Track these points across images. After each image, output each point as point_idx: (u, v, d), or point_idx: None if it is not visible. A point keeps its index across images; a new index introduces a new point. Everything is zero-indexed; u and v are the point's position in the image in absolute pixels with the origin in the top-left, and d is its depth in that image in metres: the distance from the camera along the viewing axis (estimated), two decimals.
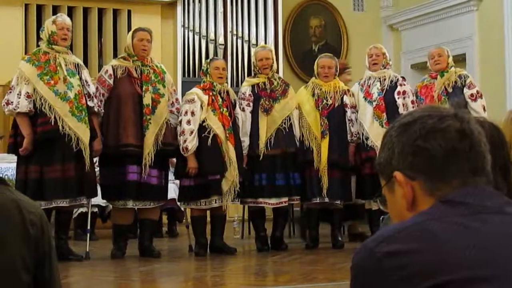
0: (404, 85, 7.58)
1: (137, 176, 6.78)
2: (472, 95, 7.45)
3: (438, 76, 7.55)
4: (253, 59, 7.71)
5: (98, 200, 7.44)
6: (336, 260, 6.45)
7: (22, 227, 1.95)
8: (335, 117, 7.47)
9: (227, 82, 7.90)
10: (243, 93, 7.38)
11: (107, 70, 6.96)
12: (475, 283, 1.34)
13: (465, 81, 7.51)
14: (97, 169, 7.03)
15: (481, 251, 1.37)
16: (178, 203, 7.84)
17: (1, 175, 2.12)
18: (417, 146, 1.48)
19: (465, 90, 7.47)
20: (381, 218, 7.01)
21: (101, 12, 11.08)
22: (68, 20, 6.90)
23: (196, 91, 7.12)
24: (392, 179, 1.52)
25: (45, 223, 2.02)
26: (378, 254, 1.39)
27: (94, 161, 6.87)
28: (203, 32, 11.64)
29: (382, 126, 7.31)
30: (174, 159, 7.39)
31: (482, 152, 1.50)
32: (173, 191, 7.99)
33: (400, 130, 1.51)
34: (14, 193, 2.02)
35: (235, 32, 11.87)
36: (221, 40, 11.72)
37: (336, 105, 7.49)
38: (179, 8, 11.51)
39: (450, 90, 7.47)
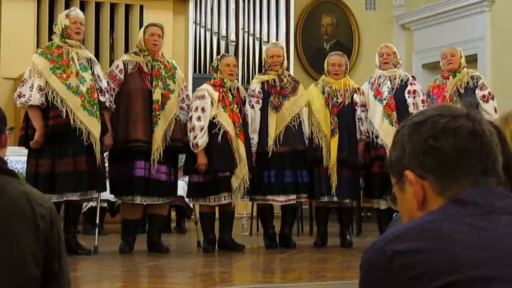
0: (415, 84, 7.58)
1: (144, 172, 6.79)
2: (484, 96, 7.44)
3: (450, 76, 7.54)
4: (264, 56, 7.72)
5: (107, 194, 7.46)
6: (344, 259, 6.45)
7: (32, 220, 1.95)
8: (345, 115, 7.46)
9: (237, 79, 7.90)
10: (252, 90, 7.38)
11: (118, 65, 6.97)
12: (483, 283, 1.34)
13: (477, 82, 7.50)
14: (106, 163, 7.05)
15: (490, 251, 1.37)
16: (187, 199, 7.84)
17: (11, 168, 2.12)
18: (429, 146, 1.48)
19: (477, 91, 7.46)
20: (394, 215, 6.98)
21: (113, 7, 11.11)
22: (81, 14, 6.93)
23: (206, 87, 7.12)
24: (402, 178, 1.52)
25: (54, 216, 2.03)
26: (387, 253, 1.39)
27: (104, 156, 6.88)
28: (215, 28, 11.66)
29: (392, 125, 7.31)
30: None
31: (494, 152, 1.49)
32: (181, 188, 7.99)
33: (411, 129, 1.51)
34: (25, 185, 2.02)
35: (246, 29, 11.88)
36: (232, 37, 11.73)
37: (346, 103, 7.48)
38: (191, 4, 11.53)
39: (462, 90, 7.46)
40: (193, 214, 8.09)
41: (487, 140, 1.48)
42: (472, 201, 1.44)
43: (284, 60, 7.52)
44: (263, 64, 7.75)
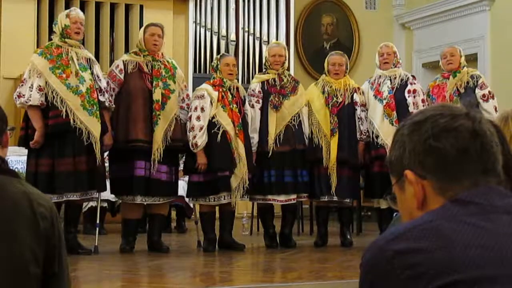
0: (415, 83, 7.56)
1: (145, 172, 6.79)
2: (484, 95, 7.43)
3: (451, 76, 7.53)
4: (265, 54, 7.73)
5: (107, 194, 7.46)
6: (345, 258, 6.45)
7: (33, 220, 1.95)
8: (345, 115, 7.46)
9: (237, 79, 7.90)
10: (252, 90, 7.38)
11: (118, 65, 6.97)
12: (484, 283, 1.34)
13: (477, 81, 7.49)
14: (107, 163, 7.05)
15: (490, 251, 1.37)
16: (187, 199, 7.84)
17: (11, 168, 2.13)
18: (429, 145, 1.47)
19: (477, 90, 7.45)
20: (394, 214, 6.98)
21: (113, 6, 11.11)
22: (81, 14, 6.93)
23: (206, 87, 7.12)
24: (402, 178, 1.51)
25: (55, 216, 2.03)
26: (388, 252, 1.39)
27: (104, 155, 6.88)
28: (215, 28, 11.66)
29: (392, 124, 7.30)
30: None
31: (494, 152, 1.49)
32: (181, 188, 7.99)
33: (411, 128, 1.51)
34: (25, 185, 2.03)
35: (246, 29, 11.88)
36: (232, 36, 11.73)
37: (346, 103, 7.48)
38: (191, 4, 11.52)
39: (462, 90, 7.45)
40: (193, 213, 8.09)
41: (487, 140, 1.48)
42: (472, 200, 1.44)
43: (285, 60, 7.53)
44: (264, 63, 7.76)
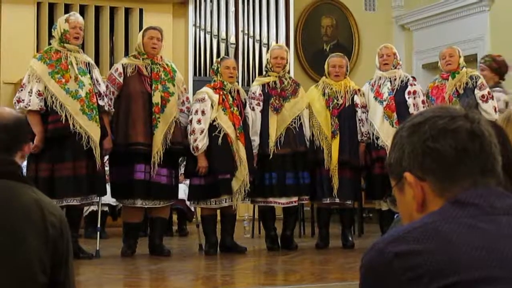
0: (415, 85, 7.56)
1: (145, 175, 6.78)
2: (483, 96, 7.41)
3: (450, 77, 7.51)
4: (267, 56, 7.72)
5: (108, 198, 7.45)
6: (346, 260, 6.44)
7: (43, 228, 1.96)
8: (346, 116, 7.45)
9: (238, 81, 7.89)
10: (253, 93, 7.38)
11: (117, 69, 6.98)
12: (484, 284, 1.34)
13: (476, 82, 7.47)
14: (107, 167, 7.05)
15: (490, 252, 1.37)
16: (188, 202, 7.84)
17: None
18: (427, 147, 1.47)
19: (476, 91, 7.43)
20: (395, 216, 6.98)
21: (113, 10, 11.11)
22: (81, 19, 6.92)
23: (206, 90, 7.13)
24: (402, 180, 1.51)
25: (64, 225, 2.04)
26: (387, 255, 1.39)
27: (104, 159, 6.88)
28: (215, 31, 11.66)
29: (393, 126, 7.29)
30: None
31: (493, 153, 1.49)
32: (182, 191, 7.99)
33: (410, 130, 1.51)
34: (37, 193, 2.04)
35: (246, 32, 11.88)
36: (232, 39, 11.73)
37: (347, 104, 7.47)
38: (191, 7, 11.53)
39: (461, 91, 7.43)
40: (194, 217, 8.09)
41: (486, 141, 1.48)
42: (471, 202, 1.44)
43: (287, 63, 7.53)
44: (265, 65, 7.76)
